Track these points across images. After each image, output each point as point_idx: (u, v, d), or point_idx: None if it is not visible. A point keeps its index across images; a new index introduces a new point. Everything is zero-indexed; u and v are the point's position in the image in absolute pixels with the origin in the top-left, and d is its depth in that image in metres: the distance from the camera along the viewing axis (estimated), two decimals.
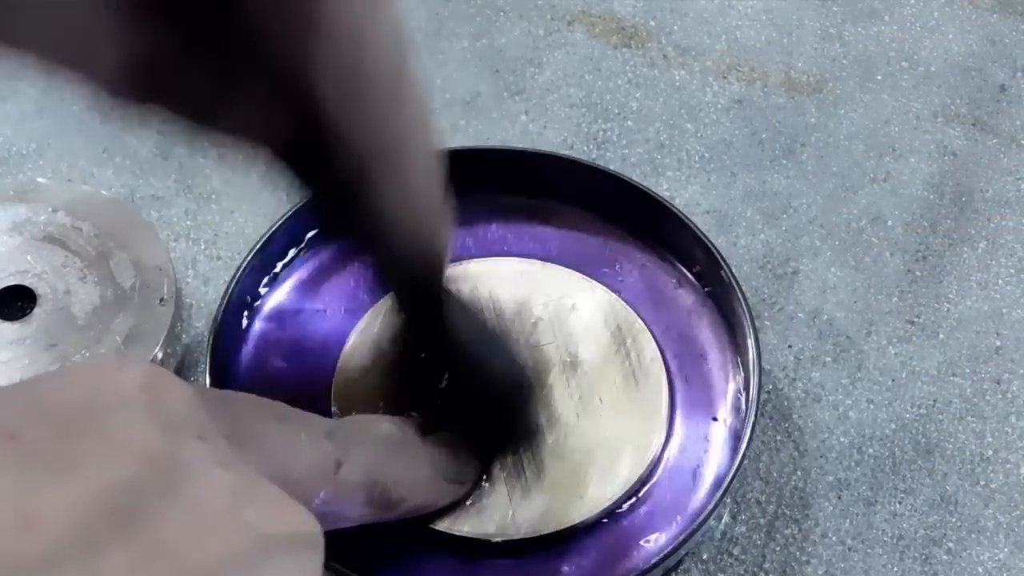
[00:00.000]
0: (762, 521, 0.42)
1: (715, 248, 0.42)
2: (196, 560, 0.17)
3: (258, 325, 0.43)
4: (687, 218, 0.43)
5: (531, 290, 0.42)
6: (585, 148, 0.52)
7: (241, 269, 0.41)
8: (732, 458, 0.38)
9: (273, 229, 0.42)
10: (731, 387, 0.41)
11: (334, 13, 0.22)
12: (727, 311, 0.42)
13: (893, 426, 0.44)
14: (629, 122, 0.53)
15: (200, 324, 0.46)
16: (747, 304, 0.40)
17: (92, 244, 0.44)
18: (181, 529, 0.17)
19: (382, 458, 0.30)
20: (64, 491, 0.16)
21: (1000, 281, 0.49)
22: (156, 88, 0.23)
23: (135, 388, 0.19)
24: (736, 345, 0.41)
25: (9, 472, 0.16)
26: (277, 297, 0.43)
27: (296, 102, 0.23)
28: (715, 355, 0.42)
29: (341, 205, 0.27)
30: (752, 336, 0.39)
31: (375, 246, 0.30)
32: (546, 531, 0.37)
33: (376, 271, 0.34)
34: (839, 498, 0.43)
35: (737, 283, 0.41)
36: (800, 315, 0.47)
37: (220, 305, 0.40)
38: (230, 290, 0.40)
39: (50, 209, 0.45)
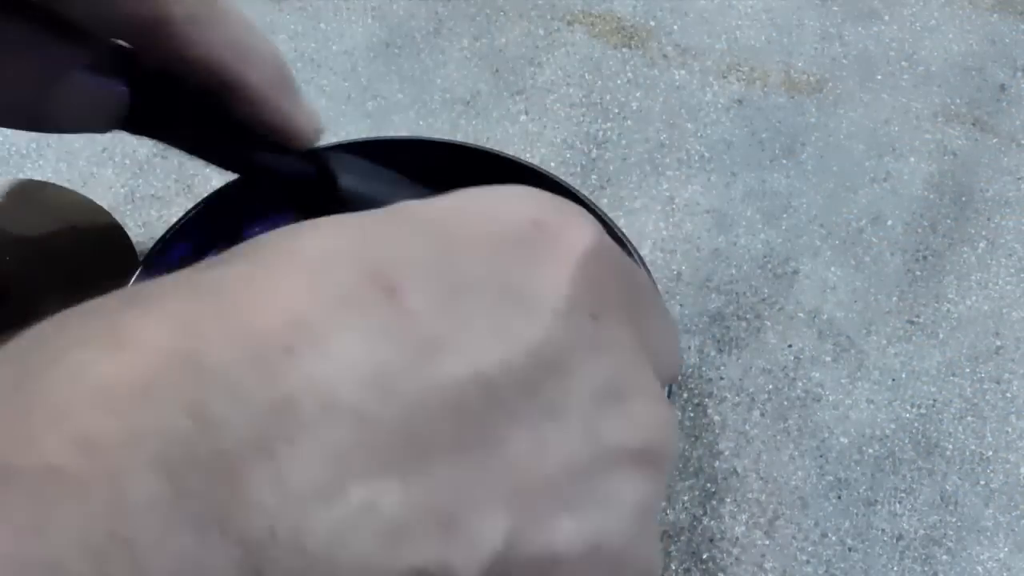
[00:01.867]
0: (762, 521, 0.42)
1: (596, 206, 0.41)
2: (531, 471, 0.16)
3: None
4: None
5: None
6: (585, 148, 0.52)
7: None
8: None
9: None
10: None
11: None
12: None
13: (893, 426, 0.44)
14: (629, 122, 0.53)
15: None
16: (649, 274, 0.40)
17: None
18: (527, 435, 0.16)
19: None
20: (424, 377, 0.15)
21: (1000, 281, 0.49)
22: None
23: (554, 251, 0.17)
24: None
25: (377, 344, 0.15)
26: None
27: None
28: None
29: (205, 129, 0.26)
30: None
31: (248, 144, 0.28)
32: None
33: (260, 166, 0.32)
34: (839, 498, 0.43)
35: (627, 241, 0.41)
36: (800, 315, 0.47)
37: None
38: None
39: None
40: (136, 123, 0.26)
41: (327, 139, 0.52)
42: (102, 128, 0.26)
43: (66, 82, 0.24)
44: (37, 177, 0.49)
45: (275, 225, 0.45)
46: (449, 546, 0.15)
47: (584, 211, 0.19)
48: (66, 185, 0.47)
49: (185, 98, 0.26)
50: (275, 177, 0.30)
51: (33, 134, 0.51)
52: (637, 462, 0.17)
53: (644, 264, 0.42)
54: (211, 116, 0.27)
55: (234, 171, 0.30)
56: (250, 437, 0.14)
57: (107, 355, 0.14)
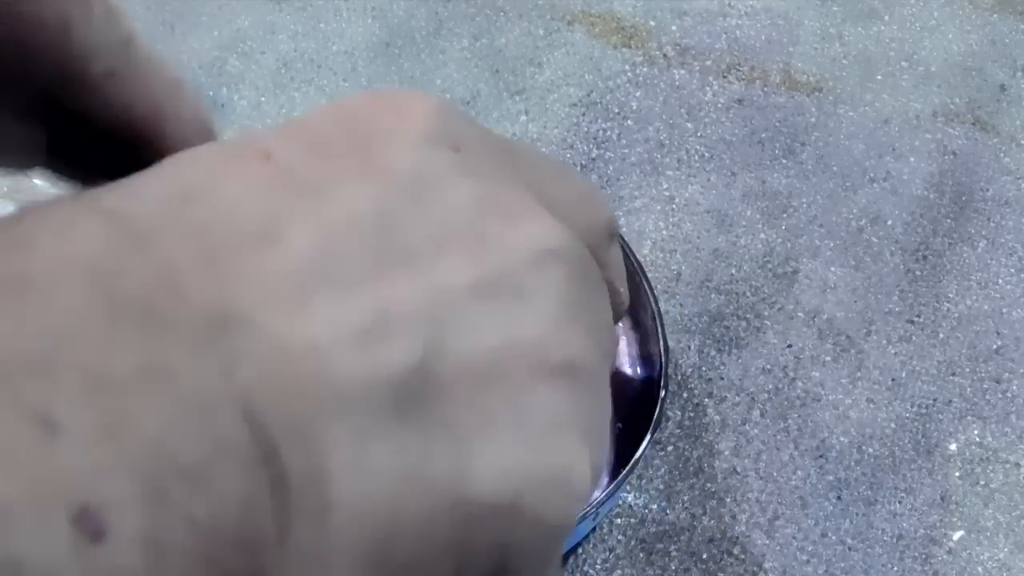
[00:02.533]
0: (762, 521, 0.42)
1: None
2: (435, 276, 0.17)
3: None
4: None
5: None
6: (585, 147, 0.52)
7: None
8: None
9: None
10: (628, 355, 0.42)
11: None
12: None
13: (893, 426, 0.44)
14: (629, 121, 0.53)
15: None
16: (649, 284, 0.40)
17: None
18: (423, 245, 0.17)
19: None
20: (311, 212, 0.16)
21: (1000, 280, 0.49)
22: None
23: (397, 112, 0.18)
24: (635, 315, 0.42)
25: (258, 191, 0.16)
26: None
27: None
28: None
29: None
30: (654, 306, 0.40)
31: None
32: None
33: None
34: (839, 498, 0.43)
35: (634, 256, 0.41)
36: (800, 315, 0.47)
37: None
38: None
39: None
40: (54, 166, 0.27)
41: None
42: (19, 168, 0.26)
43: None
44: (37, 177, 0.49)
45: None
46: (372, 355, 0.16)
47: (424, 92, 0.20)
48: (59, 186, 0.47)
49: (103, 146, 0.26)
50: None
51: None
52: (542, 260, 0.18)
53: (641, 268, 0.42)
54: (128, 165, 0.27)
55: None
56: (184, 264, 0.15)
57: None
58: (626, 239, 0.43)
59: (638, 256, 0.45)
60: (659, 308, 0.40)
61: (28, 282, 0.14)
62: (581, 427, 0.18)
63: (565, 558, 0.39)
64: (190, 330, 0.14)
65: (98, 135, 0.25)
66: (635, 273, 0.41)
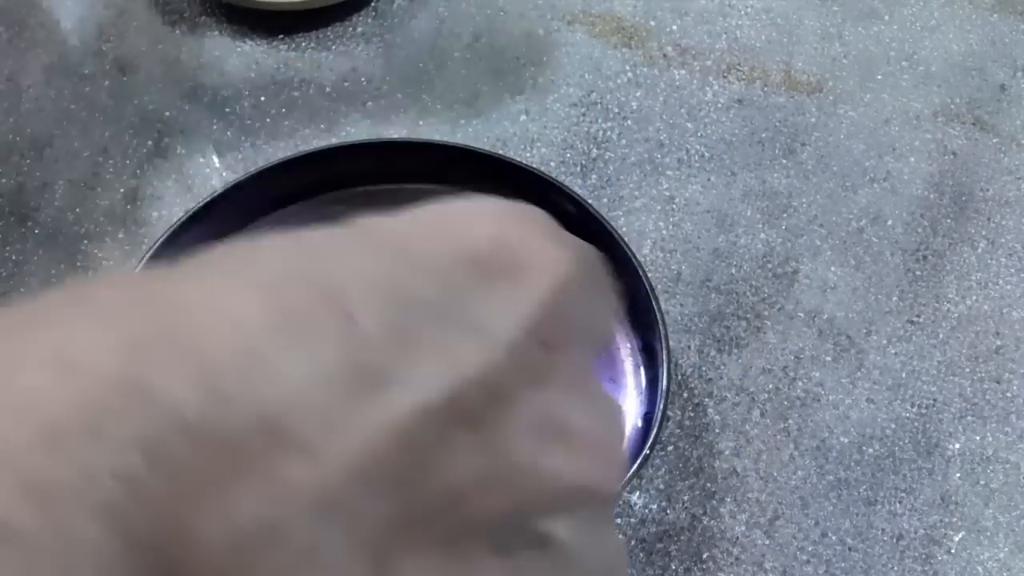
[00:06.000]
0: (762, 521, 0.42)
1: (603, 218, 0.41)
2: (470, 507, 0.16)
3: None
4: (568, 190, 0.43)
5: None
6: (585, 147, 0.52)
7: None
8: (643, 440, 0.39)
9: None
10: (629, 363, 0.42)
11: None
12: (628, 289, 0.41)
13: (893, 426, 0.44)
14: (629, 122, 0.53)
15: None
16: (650, 284, 0.40)
17: None
18: (468, 474, 0.15)
19: None
20: (383, 412, 0.15)
21: (1000, 281, 0.49)
22: None
23: (504, 264, 0.16)
24: (637, 322, 0.41)
25: (323, 380, 0.15)
26: None
27: None
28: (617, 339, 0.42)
29: None
30: (658, 313, 0.39)
31: None
32: None
33: None
34: (839, 498, 0.43)
35: (637, 260, 0.41)
36: (800, 315, 0.47)
37: None
38: None
39: None
40: None
41: (327, 139, 0.52)
42: None
43: None
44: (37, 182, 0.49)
45: (281, 221, 0.45)
46: None
47: (555, 232, 0.18)
48: (68, 185, 0.47)
49: None
50: None
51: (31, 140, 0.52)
52: (574, 502, 0.17)
53: (642, 268, 0.41)
54: None
55: None
56: (199, 475, 0.14)
57: (55, 382, 0.14)
58: (626, 239, 0.43)
59: (638, 256, 0.45)
60: (663, 315, 0.40)
61: None
62: None
63: None
64: (201, 568, 0.14)
65: None
66: (642, 281, 0.41)
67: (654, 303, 0.41)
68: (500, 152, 0.47)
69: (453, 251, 0.17)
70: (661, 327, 0.40)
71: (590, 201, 0.45)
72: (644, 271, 0.41)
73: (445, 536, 0.16)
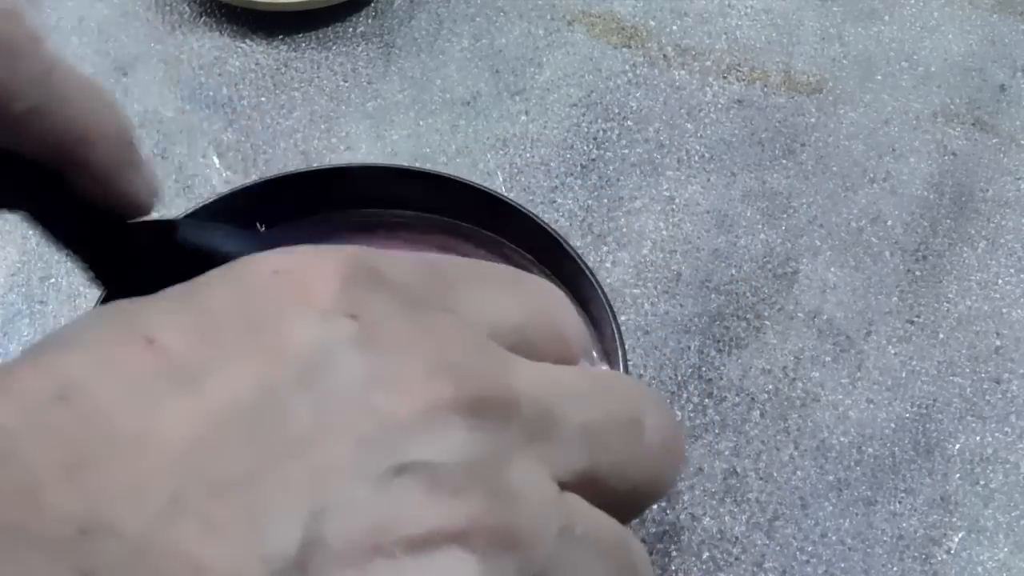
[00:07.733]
0: (762, 521, 0.42)
1: (560, 237, 0.39)
2: (316, 458, 0.16)
3: None
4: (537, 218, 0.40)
5: None
6: (585, 148, 0.52)
7: None
8: None
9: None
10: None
11: None
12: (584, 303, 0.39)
13: (893, 426, 0.44)
14: (629, 122, 0.53)
15: None
16: (610, 305, 0.38)
17: None
18: (305, 427, 0.16)
19: None
20: (190, 405, 0.16)
21: (1000, 281, 0.49)
22: None
23: (296, 283, 0.18)
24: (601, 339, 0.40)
25: (134, 386, 0.16)
26: None
27: None
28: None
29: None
30: (617, 335, 0.38)
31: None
32: None
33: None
34: (839, 498, 0.43)
35: (590, 271, 0.38)
36: (800, 315, 0.47)
37: None
38: None
39: None
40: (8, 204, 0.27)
41: (327, 140, 0.52)
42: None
43: None
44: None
45: (281, 232, 0.44)
46: (258, 542, 0.16)
47: (334, 250, 0.19)
48: None
49: (29, 176, 0.26)
50: (118, 250, 0.30)
51: None
52: (432, 427, 0.17)
53: (618, 326, 0.39)
54: (55, 193, 0.27)
55: (78, 252, 0.31)
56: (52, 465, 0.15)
57: None
58: (626, 240, 0.43)
59: (635, 257, 0.45)
60: (624, 351, 0.38)
61: None
62: None
63: None
64: (47, 544, 0.14)
65: (22, 167, 0.25)
66: (607, 315, 0.39)
67: (618, 346, 0.38)
68: (479, 181, 0.43)
69: (239, 284, 0.19)
70: (620, 353, 0.38)
71: (590, 202, 0.44)
72: (610, 307, 0.39)
73: (305, 485, 0.16)
